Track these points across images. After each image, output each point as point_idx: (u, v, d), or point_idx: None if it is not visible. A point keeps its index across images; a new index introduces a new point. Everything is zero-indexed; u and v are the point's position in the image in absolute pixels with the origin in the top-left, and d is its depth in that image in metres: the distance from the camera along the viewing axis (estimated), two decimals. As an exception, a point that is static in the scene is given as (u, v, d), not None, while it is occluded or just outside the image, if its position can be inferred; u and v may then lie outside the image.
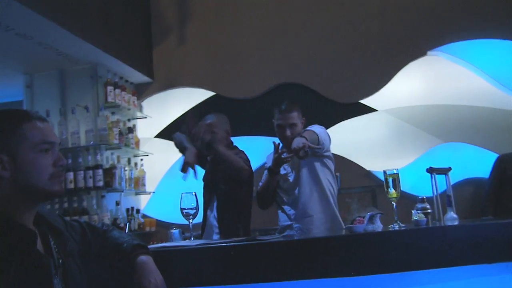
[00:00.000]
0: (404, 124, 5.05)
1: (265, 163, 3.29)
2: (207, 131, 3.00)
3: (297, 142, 2.60)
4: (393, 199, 2.34)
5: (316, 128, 2.99)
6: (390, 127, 5.08)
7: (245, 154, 3.13)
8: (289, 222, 3.03)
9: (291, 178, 3.09)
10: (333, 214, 3.07)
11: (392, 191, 2.32)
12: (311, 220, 3.02)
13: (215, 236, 3.03)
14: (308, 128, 3.03)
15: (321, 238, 2.01)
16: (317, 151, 2.90)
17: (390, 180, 2.32)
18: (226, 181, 3.00)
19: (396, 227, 2.24)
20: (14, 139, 1.56)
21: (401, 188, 4.89)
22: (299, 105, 3.19)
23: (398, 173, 2.33)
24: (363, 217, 2.24)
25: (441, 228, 2.07)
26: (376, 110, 5.10)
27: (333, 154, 3.21)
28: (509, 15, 4.86)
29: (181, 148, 3.13)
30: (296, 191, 3.04)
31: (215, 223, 3.04)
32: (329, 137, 3.07)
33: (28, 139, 1.57)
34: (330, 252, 1.90)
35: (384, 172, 2.34)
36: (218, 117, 3.14)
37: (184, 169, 2.95)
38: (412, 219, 2.26)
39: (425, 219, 2.25)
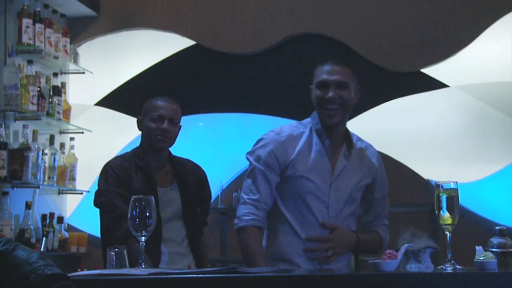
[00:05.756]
0: (490, 110, 5.23)
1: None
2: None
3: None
4: (447, 227, 2.51)
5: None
6: (467, 113, 5.27)
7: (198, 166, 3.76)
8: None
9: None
10: None
11: (445, 215, 2.50)
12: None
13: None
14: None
15: (332, 275, 2.20)
16: None
17: (443, 198, 2.49)
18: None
19: (449, 269, 2.42)
20: None
21: (478, 212, 5.02)
22: None
23: (457, 189, 2.51)
24: (397, 251, 2.41)
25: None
26: (447, 86, 5.29)
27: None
28: None
29: None
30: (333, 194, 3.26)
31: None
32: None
33: None
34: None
35: (437, 185, 2.52)
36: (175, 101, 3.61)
37: None
38: (475, 260, 2.41)
39: (494, 260, 2.38)
